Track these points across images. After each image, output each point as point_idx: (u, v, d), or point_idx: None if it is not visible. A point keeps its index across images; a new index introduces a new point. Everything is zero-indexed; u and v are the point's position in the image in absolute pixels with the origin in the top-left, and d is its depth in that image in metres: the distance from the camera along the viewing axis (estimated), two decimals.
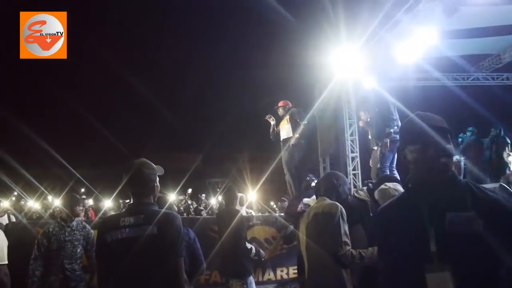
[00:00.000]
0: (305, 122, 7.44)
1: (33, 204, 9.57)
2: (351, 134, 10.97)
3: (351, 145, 10.90)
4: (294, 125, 7.44)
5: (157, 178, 2.59)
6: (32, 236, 5.18)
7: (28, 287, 4.24)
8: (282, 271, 5.85)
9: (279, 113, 7.85)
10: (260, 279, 5.77)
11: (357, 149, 10.83)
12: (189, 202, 10.72)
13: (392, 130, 6.81)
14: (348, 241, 2.99)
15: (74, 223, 4.57)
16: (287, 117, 7.56)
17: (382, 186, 3.21)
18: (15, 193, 13.81)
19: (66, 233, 4.46)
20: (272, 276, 5.82)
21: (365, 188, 3.78)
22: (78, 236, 4.51)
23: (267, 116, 7.91)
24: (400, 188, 3.10)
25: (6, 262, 3.32)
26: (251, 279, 4.71)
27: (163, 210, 2.58)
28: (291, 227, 5.59)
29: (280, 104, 7.85)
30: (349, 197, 3.49)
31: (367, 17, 8.31)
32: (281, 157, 7.57)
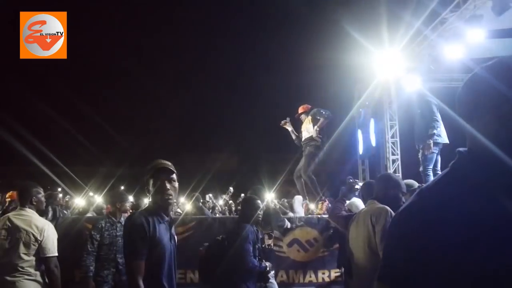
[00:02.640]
0: (325, 114, 7.17)
1: (78, 201, 9.92)
2: (392, 136, 10.76)
3: (392, 147, 10.69)
4: (315, 124, 7.21)
5: (149, 178, 2.51)
6: (78, 231, 5.38)
7: (86, 282, 4.39)
8: (323, 273, 5.79)
9: (302, 119, 7.59)
10: (302, 280, 5.74)
11: (398, 152, 10.61)
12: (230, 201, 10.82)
13: (435, 132, 6.64)
14: None
15: (123, 219, 4.71)
16: (309, 118, 7.34)
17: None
18: (59, 189, 14.30)
19: (117, 229, 4.60)
20: (313, 278, 5.77)
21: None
22: None
23: (282, 122, 7.63)
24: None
25: (57, 254, 3.45)
26: None
27: (135, 212, 2.63)
28: (334, 229, 5.54)
29: (301, 110, 7.61)
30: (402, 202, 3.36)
31: (410, 17, 8.14)
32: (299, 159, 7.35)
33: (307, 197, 7.19)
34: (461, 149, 1.08)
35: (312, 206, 6.86)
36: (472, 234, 0.89)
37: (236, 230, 3.80)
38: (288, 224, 5.51)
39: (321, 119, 7.14)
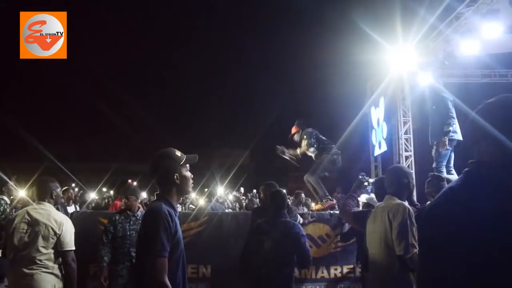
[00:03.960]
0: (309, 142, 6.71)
1: (94, 196, 10.07)
2: (406, 132, 10.67)
3: (405, 143, 10.61)
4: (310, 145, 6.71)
5: (179, 167, 2.37)
6: (94, 225, 5.43)
7: (99, 272, 4.48)
8: (336, 269, 5.78)
9: (295, 139, 7.12)
10: (314, 276, 5.74)
11: (412, 148, 10.52)
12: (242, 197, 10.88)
13: (451, 128, 6.55)
14: (416, 244, 2.90)
15: (139, 213, 4.75)
16: (305, 142, 6.82)
17: None
18: (73, 185, 14.49)
19: (131, 222, 4.65)
20: (325, 274, 5.77)
21: None
22: None
23: (278, 151, 7.11)
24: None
25: (74, 248, 3.50)
26: None
27: (154, 203, 2.35)
28: (347, 225, 5.53)
29: (293, 130, 7.14)
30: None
31: (425, 12, 8.04)
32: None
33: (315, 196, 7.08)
34: (473, 160, 1.34)
35: (317, 206, 6.80)
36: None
37: (278, 218, 3.81)
38: (300, 220, 5.51)
39: (306, 148, 6.76)
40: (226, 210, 8.58)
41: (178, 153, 2.41)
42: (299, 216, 5.57)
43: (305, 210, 7.21)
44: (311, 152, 6.82)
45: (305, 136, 6.79)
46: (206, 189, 7.94)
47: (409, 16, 8.37)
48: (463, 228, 1.16)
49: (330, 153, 6.65)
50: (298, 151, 6.94)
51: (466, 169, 1.36)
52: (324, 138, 6.83)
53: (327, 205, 6.47)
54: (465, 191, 1.28)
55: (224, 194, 11.31)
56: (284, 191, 4.25)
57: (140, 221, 4.60)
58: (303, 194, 7.87)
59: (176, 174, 2.33)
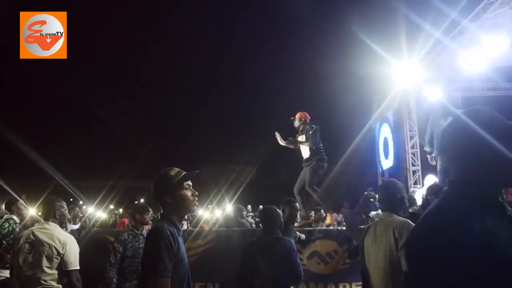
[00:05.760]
0: (310, 132, 6.60)
1: (100, 214, 10.08)
2: (412, 147, 10.63)
3: (412, 158, 10.55)
4: (307, 142, 6.68)
5: (173, 187, 2.32)
6: (99, 244, 5.41)
7: None
8: (344, 286, 5.69)
9: (294, 125, 6.99)
10: None
11: (419, 162, 10.46)
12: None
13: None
14: None
15: (145, 231, 4.73)
16: (303, 135, 6.76)
17: None
18: (81, 202, 14.54)
19: (140, 241, 4.63)
20: None
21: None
22: None
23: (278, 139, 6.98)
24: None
25: (78, 268, 3.49)
26: None
27: (156, 223, 2.35)
28: (355, 242, 5.47)
29: (298, 115, 6.96)
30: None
31: (430, 26, 8.07)
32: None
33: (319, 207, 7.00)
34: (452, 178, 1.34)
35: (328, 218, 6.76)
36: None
37: (269, 236, 3.78)
38: (302, 236, 5.45)
39: (308, 140, 6.65)
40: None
41: (173, 172, 2.37)
42: (298, 233, 5.49)
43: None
44: (305, 145, 6.68)
45: (313, 129, 6.65)
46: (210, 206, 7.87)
47: (414, 31, 8.41)
48: (447, 246, 1.15)
49: (317, 161, 6.52)
50: (299, 138, 6.80)
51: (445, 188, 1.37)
52: (321, 145, 6.71)
53: (333, 219, 6.43)
54: (444, 211, 1.29)
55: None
56: (275, 208, 4.12)
57: None
58: (322, 211, 7.77)
59: (166, 195, 2.31)
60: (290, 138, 6.94)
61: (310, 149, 6.61)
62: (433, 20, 7.86)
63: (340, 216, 8.97)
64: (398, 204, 3.22)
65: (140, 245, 4.58)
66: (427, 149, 6.83)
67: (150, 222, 5.01)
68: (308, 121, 6.85)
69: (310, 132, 6.61)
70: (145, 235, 4.63)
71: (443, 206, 1.31)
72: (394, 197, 3.21)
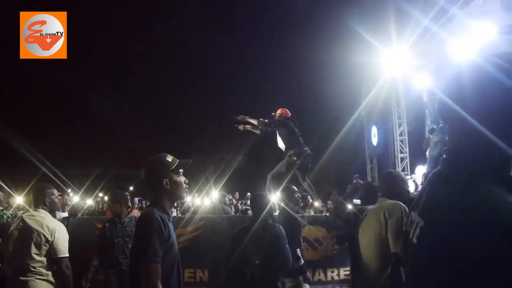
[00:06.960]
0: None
1: (89, 202, 10.04)
2: (401, 134, 10.71)
3: (400, 145, 10.64)
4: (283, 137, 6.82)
5: (170, 173, 2.34)
6: (88, 231, 5.42)
7: (85, 278, 4.46)
8: (332, 272, 5.77)
9: (275, 117, 7.10)
10: (310, 279, 5.73)
11: (407, 150, 10.56)
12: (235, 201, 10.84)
13: (435, 126, 6.46)
14: None
15: (127, 219, 4.68)
16: (282, 136, 6.87)
17: None
18: (69, 191, 14.44)
19: (117, 229, 4.60)
20: (322, 276, 5.75)
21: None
22: (129, 232, 4.55)
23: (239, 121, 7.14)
24: None
25: (67, 255, 3.48)
26: None
27: (146, 210, 2.35)
28: (343, 228, 5.53)
29: (278, 112, 7.08)
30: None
31: (418, 14, 8.08)
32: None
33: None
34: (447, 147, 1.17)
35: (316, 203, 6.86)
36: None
37: (258, 221, 3.81)
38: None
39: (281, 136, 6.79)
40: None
41: (169, 158, 2.39)
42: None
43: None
44: (280, 144, 6.84)
45: (286, 127, 6.78)
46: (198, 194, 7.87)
47: (403, 18, 8.41)
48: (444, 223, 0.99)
49: (290, 156, 6.63)
50: (256, 123, 6.97)
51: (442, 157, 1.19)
52: (302, 141, 6.79)
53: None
54: (439, 183, 1.14)
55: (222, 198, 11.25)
56: (264, 194, 4.20)
57: (126, 228, 4.60)
58: (309, 197, 7.88)
59: (165, 180, 2.32)
60: (261, 119, 7.03)
61: (285, 145, 6.74)
62: (422, 7, 7.87)
63: (330, 203, 9.05)
64: (396, 195, 3.25)
65: (117, 234, 4.58)
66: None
67: (129, 211, 4.97)
68: (287, 117, 6.96)
69: (282, 130, 6.76)
70: (125, 224, 4.63)
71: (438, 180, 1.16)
72: (395, 188, 3.30)
